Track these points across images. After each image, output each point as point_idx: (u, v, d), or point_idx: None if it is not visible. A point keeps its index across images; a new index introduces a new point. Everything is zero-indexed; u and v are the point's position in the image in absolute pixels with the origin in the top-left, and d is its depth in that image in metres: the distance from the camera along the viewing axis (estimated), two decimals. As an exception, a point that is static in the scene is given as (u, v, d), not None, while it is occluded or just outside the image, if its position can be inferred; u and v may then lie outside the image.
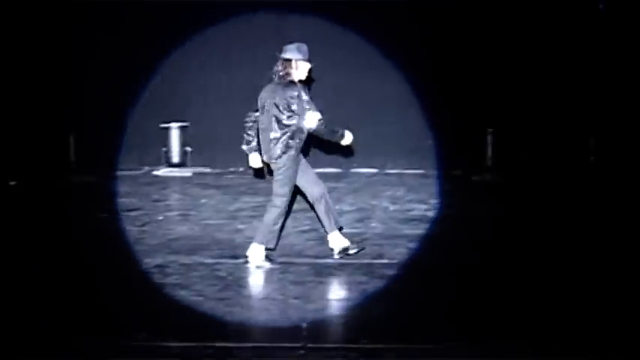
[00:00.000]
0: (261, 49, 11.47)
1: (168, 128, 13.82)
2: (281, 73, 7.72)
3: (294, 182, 7.89)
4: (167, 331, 6.11)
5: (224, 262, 8.01)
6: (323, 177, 12.89)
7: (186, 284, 7.28)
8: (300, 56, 7.73)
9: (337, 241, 8.14)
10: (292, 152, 7.73)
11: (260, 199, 11.18)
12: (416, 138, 13.78)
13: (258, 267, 7.89)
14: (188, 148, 13.93)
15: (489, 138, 13.62)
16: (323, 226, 8.19)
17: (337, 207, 10.79)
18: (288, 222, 10.03)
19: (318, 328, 6.24)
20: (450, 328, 6.22)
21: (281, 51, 7.78)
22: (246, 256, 7.98)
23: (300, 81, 7.77)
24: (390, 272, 7.69)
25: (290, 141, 7.70)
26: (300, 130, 7.71)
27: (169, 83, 13.78)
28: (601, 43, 13.33)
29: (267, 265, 7.92)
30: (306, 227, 9.66)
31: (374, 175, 13.60)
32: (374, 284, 7.33)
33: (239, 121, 8.04)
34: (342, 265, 7.96)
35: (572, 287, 7.25)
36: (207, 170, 13.97)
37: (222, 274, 7.63)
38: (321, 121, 7.67)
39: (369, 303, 6.85)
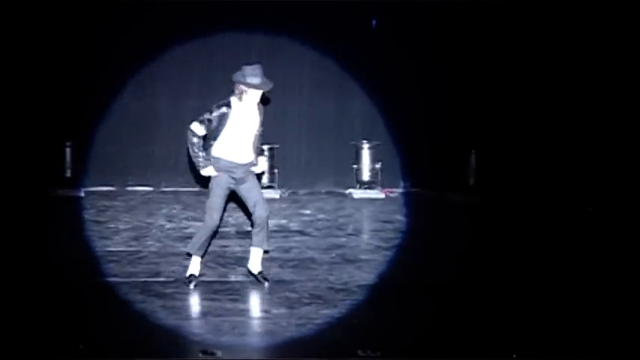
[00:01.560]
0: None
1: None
2: (236, 94, 7.77)
3: (214, 194, 7.82)
4: None
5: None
6: (95, 195, 12.99)
7: None
8: (247, 81, 7.67)
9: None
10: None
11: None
12: (187, 155, 13.81)
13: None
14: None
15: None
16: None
17: (112, 225, 10.75)
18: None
19: (95, 348, 6.17)
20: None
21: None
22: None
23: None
24: (167, 290, 7.73)
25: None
26: (208, 144, 7.82)
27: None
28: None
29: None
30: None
31: (149, 193, 13.53)
32: (150, 302, 7.35)
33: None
34: (119, 283, 7.92)
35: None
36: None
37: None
38: (190, 132, 7.75)
39: (145, 322, 6.87)
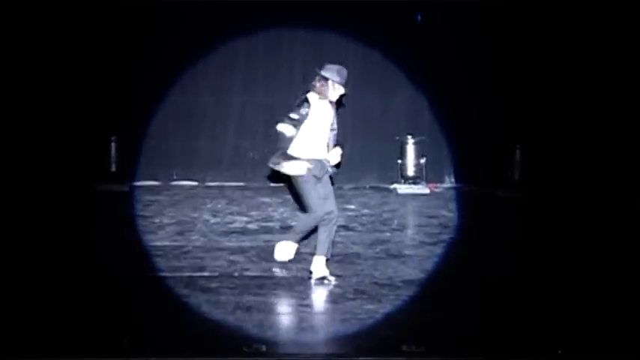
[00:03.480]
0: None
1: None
2: (317, 90, 7.82)
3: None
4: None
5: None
6: (140, 189, 13.07)
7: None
8: (338, 79, 7.81)
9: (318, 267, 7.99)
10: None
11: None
12: (232, 150, 13.83)
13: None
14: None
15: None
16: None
17: (157, 220, 10.80)
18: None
19: (141, 342, 6.20)
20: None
21: (320, 67, 7.86)
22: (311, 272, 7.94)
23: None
24: (212, 285, 7.74)
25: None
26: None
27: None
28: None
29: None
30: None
31: (194, 187, 13.57)
32: (195, 297, 7.37)
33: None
34: (164, 278, 7.95)
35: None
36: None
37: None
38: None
39: (190, 316, 6.89)
